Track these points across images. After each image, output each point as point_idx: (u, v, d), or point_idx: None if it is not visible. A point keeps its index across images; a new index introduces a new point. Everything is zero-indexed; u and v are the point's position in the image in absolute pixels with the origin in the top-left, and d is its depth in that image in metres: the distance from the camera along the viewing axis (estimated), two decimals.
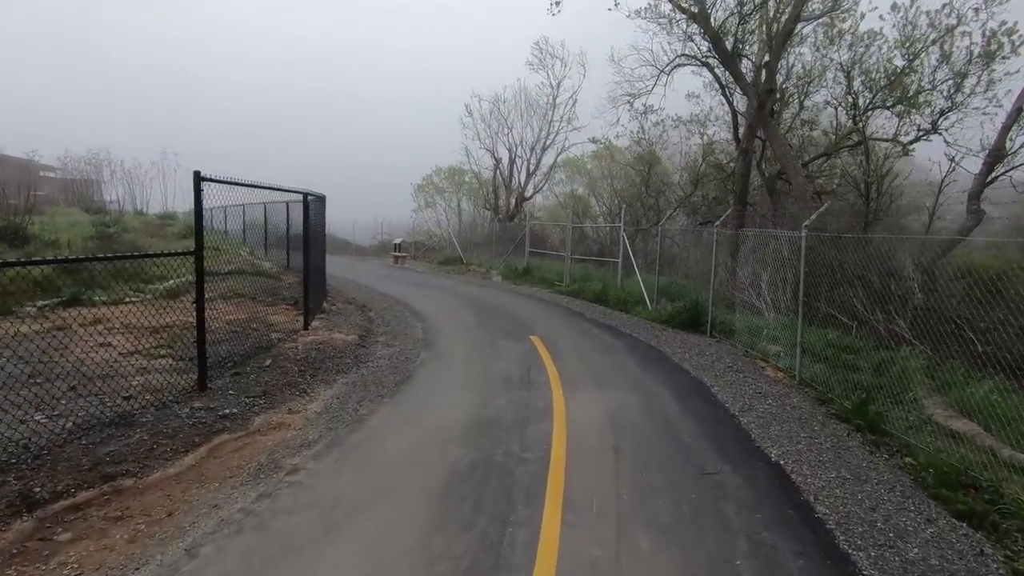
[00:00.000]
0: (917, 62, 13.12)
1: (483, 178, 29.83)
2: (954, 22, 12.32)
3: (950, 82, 12.71)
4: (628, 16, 15.49)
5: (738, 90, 15.26)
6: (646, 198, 20.95)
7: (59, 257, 9.62)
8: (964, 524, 3.78)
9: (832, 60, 14.51)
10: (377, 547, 3.26)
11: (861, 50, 13.88)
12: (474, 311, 11.84)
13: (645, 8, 15.20)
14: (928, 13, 12.70)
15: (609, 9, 15.43)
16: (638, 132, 19.20)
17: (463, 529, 3.45)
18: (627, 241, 14.64)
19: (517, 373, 7.07)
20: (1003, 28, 11.77)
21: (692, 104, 17.98)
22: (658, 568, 3.14)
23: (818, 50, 14.70)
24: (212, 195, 5.62)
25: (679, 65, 15.91)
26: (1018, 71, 11.87)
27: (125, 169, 45.65)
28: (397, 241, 26.98)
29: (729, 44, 14.18)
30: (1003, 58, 11.97)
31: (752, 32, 14.61)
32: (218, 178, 5.51)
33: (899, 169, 14.36)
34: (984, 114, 12.49)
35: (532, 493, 3.91)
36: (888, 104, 13.88)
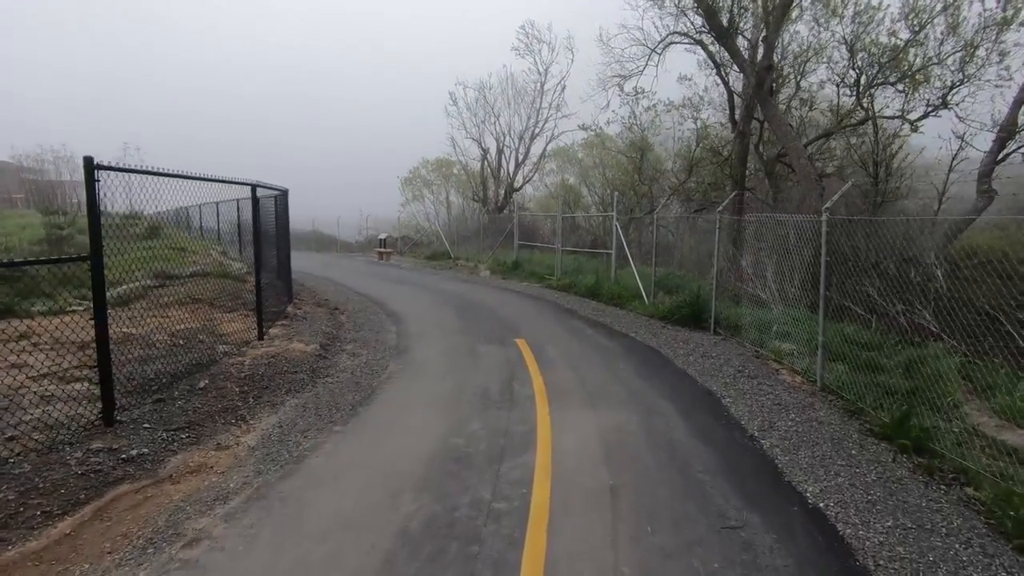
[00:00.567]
0: (923, 34, 12.23)
1: (471, 170, 28.71)
2: None
3: (960, 53, 11.82)
4: None
5: (734, 69, 14.33)
6: (639, 186, 20.01)
7: None
8: None
9: (833, 34, 13.60)
10: None
11: (865, 19, 12.95)
12: (457, 311, 10.86)
13: None
14: None
15: None
16: (629, 118, 18.28)
17: None
18: (620, 230, 13.67)
19: (498, 386, 6.11)
20: None
21: (685, 87, 17.00)
22: None
23: (817, 23, 13.76)
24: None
25: (672, 43, 15.01)
26: None
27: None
28: (382, 236, 25.88)
29: (724, 20, 13.20)
30: (1021, 24, 11.08)
31: (746, 8, 13.63)
32: (119, 166, 4.48)
33: (909, 147, 13.49)
34: (996, 86, 11.67)
35: (503, 568, 2.96)
36: (892, 80, 12.99)
